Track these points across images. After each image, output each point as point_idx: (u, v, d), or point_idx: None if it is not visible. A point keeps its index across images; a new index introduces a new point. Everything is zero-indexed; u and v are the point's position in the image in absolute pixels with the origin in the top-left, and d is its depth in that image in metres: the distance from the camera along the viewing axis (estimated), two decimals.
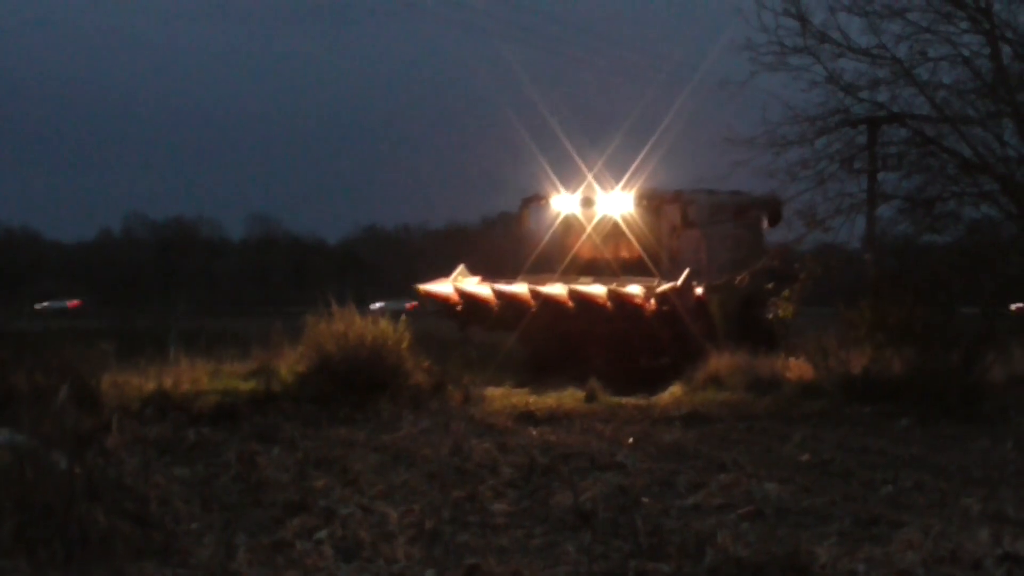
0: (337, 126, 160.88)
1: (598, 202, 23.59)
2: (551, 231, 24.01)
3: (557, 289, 20.51)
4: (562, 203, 23.87)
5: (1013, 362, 18.73)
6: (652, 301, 19.82)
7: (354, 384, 14.90)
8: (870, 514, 8.10)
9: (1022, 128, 27.80)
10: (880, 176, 29.37)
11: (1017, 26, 28.11)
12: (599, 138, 23.98)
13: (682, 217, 22.95)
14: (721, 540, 7.21)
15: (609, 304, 19.57)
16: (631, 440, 11.91)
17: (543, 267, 23.13)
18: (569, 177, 24.14)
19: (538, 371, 20.38)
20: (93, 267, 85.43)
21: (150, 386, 14.25)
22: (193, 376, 15.45)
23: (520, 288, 21.04)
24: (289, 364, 16.10)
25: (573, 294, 19.83)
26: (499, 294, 20.94)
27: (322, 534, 7.44)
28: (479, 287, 21.62)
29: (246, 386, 15.36)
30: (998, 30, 27.82)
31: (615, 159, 24.07)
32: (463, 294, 21.28)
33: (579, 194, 23.70)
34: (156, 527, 7.43)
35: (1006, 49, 28.13)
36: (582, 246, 23.60)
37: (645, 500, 8.46)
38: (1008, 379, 17.81)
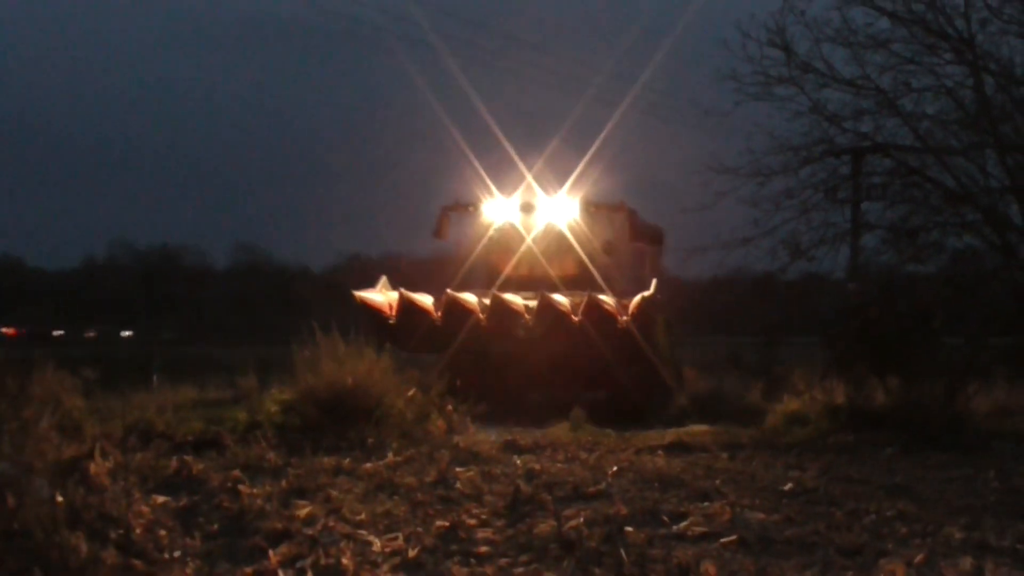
0: (320, 154, 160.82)
1: (540, 208, 21.99)
2: (484, 241, 22.14)
3: (517, 299, 18.88)
4: (496, 210, 22.13)
5: (996, 392, 18.80)
6: (629, 315, 18.61)
7: (338, 413, 14.85)
8: (853, 543, 8.12)
9: (1005, 159, 27.98)
10: (864, 206, 29.51)
11: (1000, 57, 28.31)
12: (531, 144, 22.65)
13: (631, 228, 21.87)
14: (704, 569, 7.23)
15: (579, 318, 18.25)
16: (615, 469, 11.91)
17: (472, 282, 21.03)
18: (497, 183, 22.43)
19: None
20: (77, 294, 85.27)
21: (133, 414, 14.21)
22: (177, 404, 15.40)
23: (470, 296, 19.18)
24: (274, 392, 16.05)
25: (544, 303, 18.41)
26: (450, 303, 18.86)
27: (305, 562, 7.43)
28: (421, 295, 19.60)
29: (230, 414, 15.32)
30: (981, 61, 27.99)
31: (548, 167, 22.61)
32: (405, 302, 19.20)
33: (517, 199, 21.96)
34: (138, 555, 7.41)
35: (989, 80, 28.31)
36: (521, 257, 21.83)
37: (629, 529, 8.45)
38: (991, 409, 17.89)
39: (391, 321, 19.26)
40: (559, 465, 12.29)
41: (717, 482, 11.05)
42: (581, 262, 21.48)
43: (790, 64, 28.91)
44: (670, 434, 15.36)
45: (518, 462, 12.39)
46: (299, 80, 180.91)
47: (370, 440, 13.73)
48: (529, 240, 21.67)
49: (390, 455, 12.58)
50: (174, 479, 10.82)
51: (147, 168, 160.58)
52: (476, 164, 22.08)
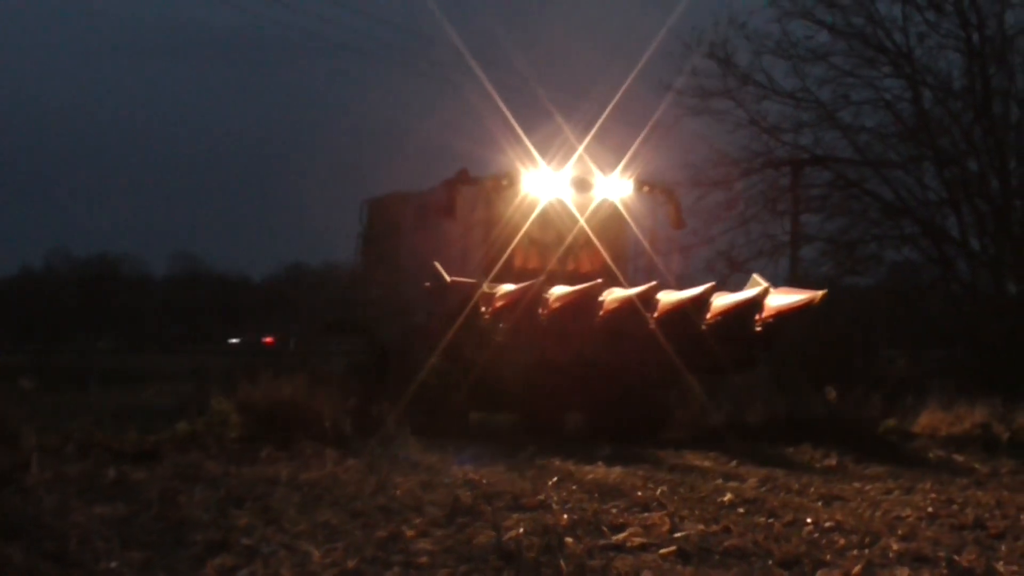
0: (259, 163, 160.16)
1: (596, 185, 18.85)
2: (530, 221, 18.32)
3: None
4: (538, 185, 18.45)
5: (934, 404, 18.94)
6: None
7: (277, 423, 14.77)
8: (792, 554, 8.14)
9: (942, 172, 28.35)
10: (803, 218, 29.81)
11: (938, 71, 28.73)
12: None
13: (676, 215, 19.72)
14: None
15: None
16: (554, 479, 11.91)
17: (504, 272, 17.58)
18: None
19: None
20: (13, 303, 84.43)
21: (71, 423, 14.09)
22: (116, 413, 15.28)
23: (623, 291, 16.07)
24: (212, 402, 15.94)
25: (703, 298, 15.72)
26: (585, 295, 15.59)
27: (243, 573, 7.38)
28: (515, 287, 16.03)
29: (168, 424, 15.21)
30: (919, 75, 28.35)
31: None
32: (522, 294, 15.70)
33: (567, 173, 18.57)
34: (75, 566, 7.34)
35: (927, 94, 28.74)
36: (574, 243, 18.76)
37: (568, 540, 8.44)
38: (929, 420, 18.02)
39: (486, 317, 16.16)
40: (499, 475, 12.27)
41: (656, 492, 11.07)
42: (634, 251, 19.66)
43: (727, 76, 29.24)
44: (609, 444, 15.32)
45: (458, 472, 12.36)
46: (240, 89, 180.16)
47: (309, 450, 13.67)
48: (582, 221, 18.69)
49: (329, 465, 12.53)
50: (112, 489, 10.73)
51: (85, 177, 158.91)
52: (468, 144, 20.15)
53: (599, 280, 16.03)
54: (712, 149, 29.27)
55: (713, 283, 16.38)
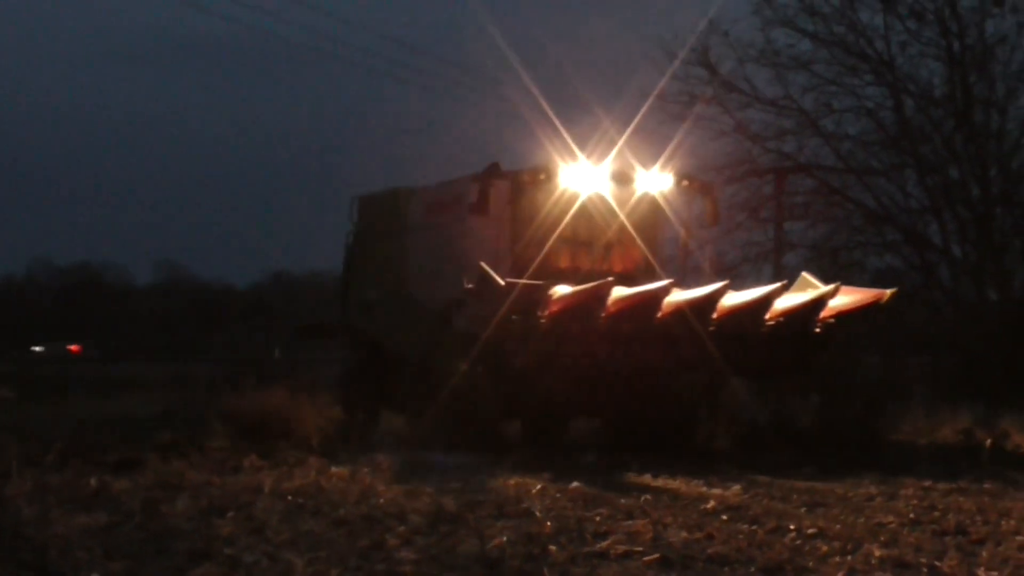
0: (244, 172, 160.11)
1: (637, 179, 17.47)
2: (567, 217, 16.77)
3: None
4: (575, 179, 16.86)
5: (915, 411, 18.98)
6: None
7: (260, 431, 14.74)
8: (775, 561, 8.14)
9: (924, 179, 28.42)
10: (786, 225, 29.81)
11: (919, 79, 28.80)
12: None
13: (712, 210, 18.72)
14: None
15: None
16: (538, 487, 11.89)
17: (539, 271, 16.00)
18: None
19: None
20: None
21: (52, 432, 14.05)
22: (98, 422, 15.25)
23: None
24: (196, 411, 15.92)
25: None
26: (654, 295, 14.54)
27: None
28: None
29: (151, 433, 15.18)
30: (901, 83, 28.43)
31: None
32: (585, 296, 14.46)
33: (608, 167, 17.10)
34: None
35: (909, 102, 28.80)
36: (612, 238, 17.52)
37: (552, 547, 8.44)
38: (910, 427, 18.05)
39: (543, 320, 14.68)
40: (483, 483, 12.25)
41: (640, 500, 11.07)
42: (683, 247, 18.51)
43: (711, 83, 29.30)
44: (592, 451, 15.31)
45: (441, 480, 12.34)
46: (223, 98, 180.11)
47: (292, 459, 13.65)
48: (623, 217, 17.27)
49: (312, 474, 12.51)
50: (94, 499, 10.71)
51: (67, 185, 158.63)
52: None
53: (670, 281, 15.11)
54: (695, 156, 29.31)
55: (784, 282, 15.83)
